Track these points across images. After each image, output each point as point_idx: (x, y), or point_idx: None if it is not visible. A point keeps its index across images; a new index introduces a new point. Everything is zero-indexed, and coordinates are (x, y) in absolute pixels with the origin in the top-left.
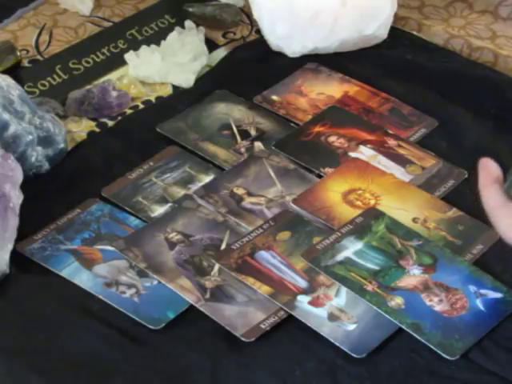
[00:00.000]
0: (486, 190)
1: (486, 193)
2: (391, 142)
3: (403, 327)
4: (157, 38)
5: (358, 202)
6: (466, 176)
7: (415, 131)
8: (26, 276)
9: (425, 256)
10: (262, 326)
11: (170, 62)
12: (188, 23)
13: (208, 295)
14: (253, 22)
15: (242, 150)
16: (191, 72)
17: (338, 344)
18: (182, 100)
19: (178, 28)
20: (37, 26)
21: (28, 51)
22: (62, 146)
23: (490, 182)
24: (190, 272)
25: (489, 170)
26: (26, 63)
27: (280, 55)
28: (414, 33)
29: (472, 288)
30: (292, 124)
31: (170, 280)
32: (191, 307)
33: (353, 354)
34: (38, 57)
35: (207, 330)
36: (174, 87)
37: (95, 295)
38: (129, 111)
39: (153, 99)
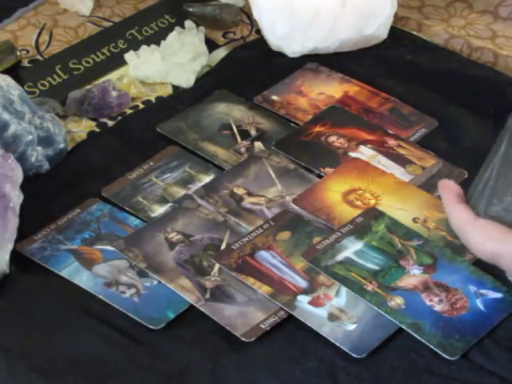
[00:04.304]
0: (452, 210)
1: (452, 212)
2: (391, 142)
3: (403, 327)
4: (157, 38)
5: (358, 202)
6: (466, 176)
7: (415, 131)
8: (26, 276)
9: (425, 256)
10: (262, 326)
11: (170, 62)
12: (188, 23)
13: (208, 295)
14: (253, 22)
15: (242, 149)
16: (191, 72)
17: (338, 344)
18: (182, 100)
19: (178, 28)
20: (37, 26)
21: (28, 51)
22: (62, 146)
23: (454, 201)
24: (190, 272)
25: (449, 189)
26: (26, 63)
27: (280, 55)
28: (414, 33)
29: (472, 288)
30: (292, 124)
31: (169, 280)
32: (191, 307)
33: (353, 354)
34: (38, 57)
35: (207, 330)
36: (174, 87)
37: (95, 295)
38: (129, 111)
39: (153, 99)
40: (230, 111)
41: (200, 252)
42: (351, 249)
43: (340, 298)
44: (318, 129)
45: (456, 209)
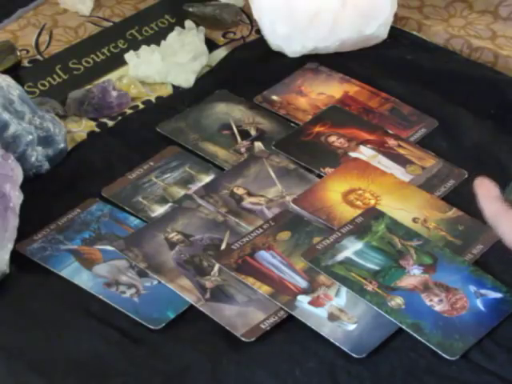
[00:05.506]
0: (485, 201)
1: (486, 203)
2: (391, 142)
3: (403, 327)
4: (157, 38)
5: (358, 202)
6: (466, 176)
7: (415, 131)
8: (26, 276)
9: (425, 256)
10: (262, 326)
11: (170, 62)
12: (188, 23)
13: (208, 295)
14: (253, 22)
15: (242, 149)
16: (191, 72)
17: (338, 344)
18: (182, 100)
19: (177, 28)
20: (37, 26)
21: (28, 51)
22: (62, 145)
23: (488, 194)
24: (190, 272)
25: (484, 184)
26: (26, 63)
27: (280, 55)
28: (414, 33)
29: (472, 288)
30: (292, 124)
31: (169, 280)
32: (191, 307)
33: (353, 354)
34: (38, 57)
35: (207, 330)
36: (174, 87)
37: (95, 295)
38: (129, 111)
39: (153, 99)
40: (230, 111)
41: (200, 252)
42: (351, 249)
43: (340, 298)
44: (318, 129)
45: (489, 202)
